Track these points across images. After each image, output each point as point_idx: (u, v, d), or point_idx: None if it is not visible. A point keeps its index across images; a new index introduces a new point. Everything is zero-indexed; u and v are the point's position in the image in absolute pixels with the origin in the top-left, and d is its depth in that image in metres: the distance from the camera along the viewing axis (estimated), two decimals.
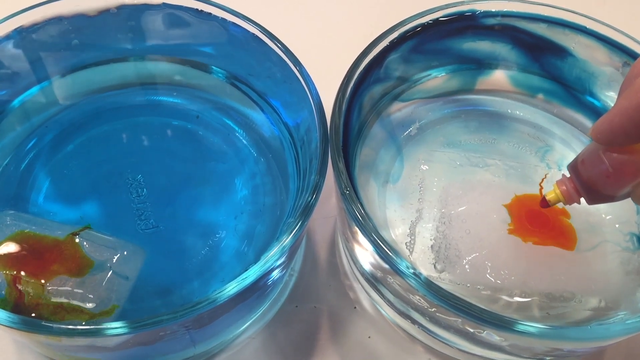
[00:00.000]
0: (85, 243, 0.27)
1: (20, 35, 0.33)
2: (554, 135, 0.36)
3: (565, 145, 0.36)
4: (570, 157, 0.33)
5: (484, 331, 0.28)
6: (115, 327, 0.24)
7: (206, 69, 0.36)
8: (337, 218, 0.36)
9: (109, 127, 0.36)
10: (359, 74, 0.32)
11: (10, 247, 0.26)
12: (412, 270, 0.26)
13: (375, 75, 0.33)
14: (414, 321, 0.31)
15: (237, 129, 0.36)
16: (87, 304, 0.26)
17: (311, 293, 0.35)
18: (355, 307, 0.35)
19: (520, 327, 0.25)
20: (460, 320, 0.27)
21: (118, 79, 0.36)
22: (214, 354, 0.33)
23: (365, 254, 0.30)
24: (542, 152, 0.35)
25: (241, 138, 0.36)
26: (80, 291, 0.26)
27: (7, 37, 0.33)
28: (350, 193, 0.28)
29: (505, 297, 0.30)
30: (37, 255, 0.26)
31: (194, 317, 0.25)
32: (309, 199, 0.28)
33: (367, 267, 0.31)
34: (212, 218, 0.33)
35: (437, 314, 0.28)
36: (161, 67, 0.37)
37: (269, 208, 0.34)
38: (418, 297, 0.28)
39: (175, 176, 0.35)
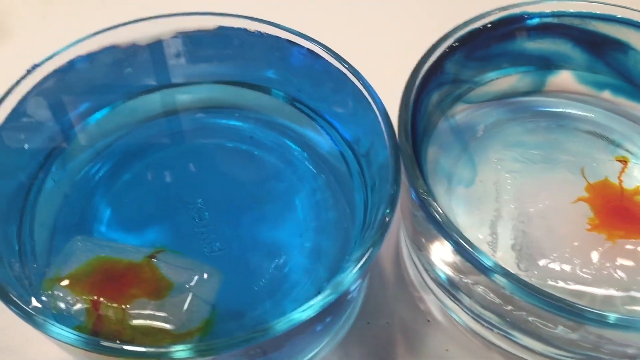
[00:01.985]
0: (162, 265, 0.26)
1: (76, 64, 0.33)
2: (621, 133, 0.36)
3: (633, 142, 0.35)
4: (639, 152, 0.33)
5: (576, 331, 0.27)
6: (198, 349, 0.23)
7: (259, 89, 0.36)
8: (403, 228, 0.35)
9: (164, 153, 0.35)
10: (420, 79, 0.32)
11: (87, 273, 0.26)
12: (500, 269, 0.25)
13: (438, 80, 0.33)
14: (493, 326, 0.30)
15: (292, 146, 0.36)
16: (168, 326, 0.25)
17: (382, 308, 0.34)
18: (428, 320, 0.34)
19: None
20: (551, 319, 0.26)
21: (171, 104, 0.36)
22: None
23: (444, 260, 0.29)
24: (612, 148, 0.35)
25: (297, 155, 0.35)
26: (162, 314, 0.25)
27: (65, 67, 0.33)
28: (429, 197, 0.27)
29: (594, 294, 0.29)
30: (115, 280, 0.26)
31: (270, 339, 0.25)
32: (387, 210, 0.27)
33: (446, 273, 0.30)
34: (276, 237, 0.33)
35: (525, 316, 0.27)
36: (213, 90, 0.36)
37: (333, 223, 0.33)
38: (503, 300, 0.27)
39: (234, 197, 0.34)
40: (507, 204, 0.33)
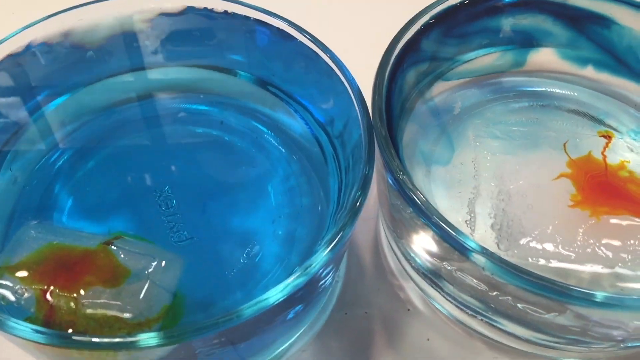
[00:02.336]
0: (119, 252, 0.25)
1: (34, 49, 0.31)
2: (605, 110, 0.34)
3: (617, 118, 0.34)
4: (623, 128, 0.31)
5: (561, 313, 0.25)
6: (154, 338, 0.22)
7: (229, 72, 0.35)
8: (381, 215, 0.34)
9: (131, 139, 0.34)
10: (395, 57, 0.30)
11: (38, 261, 0.24)
12: (480, 248, 0.24)
13: (414, 58, 0.31)
14: (478, 313, 0.28)
15: (265, 131, 0.34)
16: (125, 315, 0.24)
17: (360, 298, 0.33)
18: (408, 309, 0.32)
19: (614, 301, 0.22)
20: (537, 303, 0.25)
21: (137, 89, 0.35)
22: None
23: (423, 243, 0.28)
24: (595, 125, 0.33)
25: (271, 140, 0.34)
26: (117, 303, 0.24)
27: (21, 52, 0.31)
28: (405, 178, 0.26)
29: (578, 272, 0.28)
30: (68, 268, 0.24)
31: (238, 325, 0.23)
32: (358, 192, 0.26)
33: (424, 258, 0.29)
34: (248, 225, 0.31)
35: (508, 299, 0.26)
36: (181, 74, 0.35)
37: (308, 209, 0.32)
38: (484, 283, 0.26)
39: (204, 185, 0.32)
40: (487, 181, 0.31)
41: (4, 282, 0.23)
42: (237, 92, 0.35)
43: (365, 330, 0.32)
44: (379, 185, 0.32)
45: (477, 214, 0.30)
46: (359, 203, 0.26)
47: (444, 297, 0.30)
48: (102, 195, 0.31)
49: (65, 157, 0.32)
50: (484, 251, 0.24)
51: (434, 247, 0.28)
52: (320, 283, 0.28)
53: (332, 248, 0.24)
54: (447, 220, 0.25)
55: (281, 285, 0.23)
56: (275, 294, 0.23)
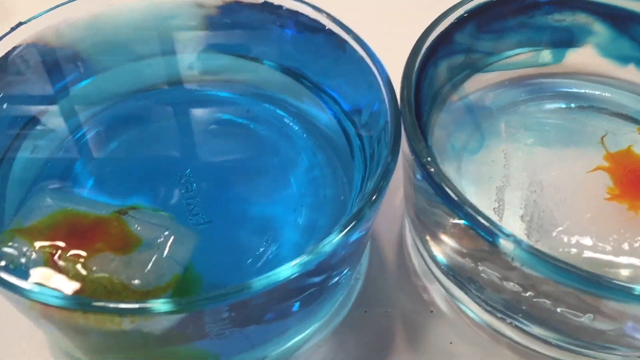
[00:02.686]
0: (132, 221, 0.24)
1: (65, 28, 0.32)
2: None
3: None
4: None
5: (596, 313, 0.24)
6: (162, 304, 0.21)
7: (258, 61, 0.34)
8: (406, 213, 0.32)
9: (156, 123, 0.33)
10: (427, 48, 0.29)
11: (50, 226, 0.23)
12: (509, 234, 0.22)
13: (446, 50, 0.31)
14: (507, 316, 0.27)
15: (291, 120, 0.33)
16: (134, 283, 0.23)
17: (381, 297, 0.31)
18: (432, 311, 0.31)
19: None
20: (568, 299, 0.23)
21: (166, 75, 0.34)
22: None
23: (450, 238, 0.27)
24: (634, 123, 0.32)
25: (296, 130, 0.33)
26: (127, 270, 0.23)
27: (49, 31, 0.31)
28: (432, 162, 0.25)
29: (613, 266, 0.26)
30: (80, 233, 0.23)
31: (247, 301, 0.22)
32: (381, 176, 0.25)
33: (452, 256, 0.27)
34: (268, 212, 0.30)
35: (542, 300, 0.24)
36: (210, 61, 0.34)
37: (330, 200, 0.31)
38: (517, 281, 0.24)
39: (226, 171, 0.32)
40: (517, 172, 0.30)
41: (13, 244, 0.23)
42: (264, 81, 0.34)
43: (385, 329, 0.30)
44: (404, 183, 0.31)
45: (505, 202, 0.28)
46: (380, 188, 0.24)
47: (471, 299, 0.29)
48: (123, 174, 0.31)
49: (90, 136, 0.32)
50: (513, 238, 0.22)
51: (462, 240, 0.26)
52: (335, 273, 0.26)
53: (346, 232, 0.23)
54: (474, 206, 0.23)
55: (292, 262, 0.22)
56: (285, 270, 0.22)
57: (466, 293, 0.29)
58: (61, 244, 0.23)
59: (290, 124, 0.33)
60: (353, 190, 0.30)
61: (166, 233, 0.24)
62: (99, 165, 0.31)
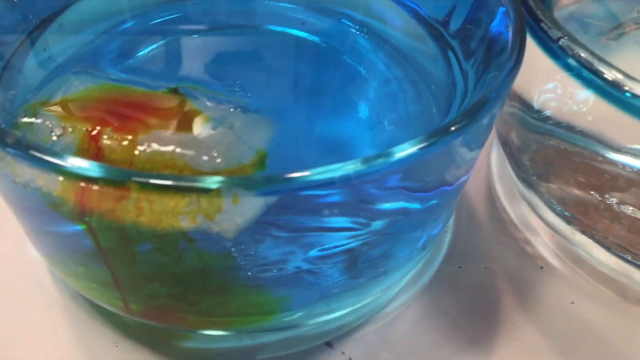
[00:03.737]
0: (195, 94, 0.18)
1: None
2: None
3: None
4: None
5: None
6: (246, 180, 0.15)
7: None
8: (508, 158, 0.27)
9: (200, 34, 0.28)
10: None
11: (87, 99, 0.18)
12: None
13: None
14: None
15: (356, 32, 0.28)
16: (200, 162, 0.17)
17: (476, 252, 0.25)
18: (541, 267, 0.25)
19: None
20: None
21: None
22: (360, 325, 0.23)
23: (574, 171, 0.21)
24: None
25: (363, 42, 0.28)
26: (189, 151, 0.17)
27: None
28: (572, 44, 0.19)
29: None
30: (126, 109, 0.17)
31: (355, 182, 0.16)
32: (512, 59, 0.19)
33: (572, 193, 0.22)
34: (340, 130, 0.25)
35: None
36: None
37: (415, 118, 0.25)
38: None
39: (284, 88, 0.26)
40: None
41: (40, 119, 0.17)
42: None
43: (488, 286, 0.24)
44: (504, 127, 0.26)
45: None
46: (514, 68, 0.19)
47: (597, 243, 0.23)
48: (163, 80, 0.25)
49: (132, 27, 0.26)
50: None
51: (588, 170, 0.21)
52: (447, 180, 0.20)
53: (475, 114, 0.17)
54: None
55: (410, 142, 0.16)
56: (404, 147, 0.16)
57: (591, 237, 0.23)
58: (103, 119, 0.17)
59: (357, 36, 0.28)
60: (442, 109, 0.24)
61: (240, 113, 0.18)
62: (133, 69, 0.25)
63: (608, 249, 0.23)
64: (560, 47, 0.20)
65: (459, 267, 0.25)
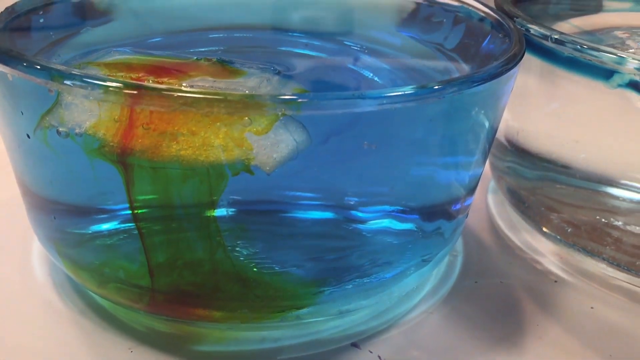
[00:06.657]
0: (234, 62, 0.19)
1: None
2: None
3: None
4: None
5: None
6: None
7: None
8: (502, 181, 0.28)
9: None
10: None
11: (126, 64, 0.18)
12: None
13: None
14: None
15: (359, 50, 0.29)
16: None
17: (488, 269, 0.25)
18: (555, 281, 0.25)
19: None
20: None
21: None
22: (383, 329, 0.22)
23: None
24: None
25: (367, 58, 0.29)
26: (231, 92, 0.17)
27: None
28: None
29: None
30: (166, 70, 0.18)
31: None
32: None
33: (580, 217, 0.23)
34: None
35: None
36: None
37: None
38: None
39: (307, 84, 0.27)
40: None
41: (84, 71, 0.17)
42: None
43: (507, 297, 0.24)
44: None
45: None
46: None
47: (604, 260, 0.24)
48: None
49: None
50: None
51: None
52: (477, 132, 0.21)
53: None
54: None
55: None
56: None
57: (599, 257, 0.24)
58: (146, 73, 0.17)
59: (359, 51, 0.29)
60: None
61: (274, 75, 0.19)
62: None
63: (617, 265, 0.24)
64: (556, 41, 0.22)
65: (475, 282, 0.25)
